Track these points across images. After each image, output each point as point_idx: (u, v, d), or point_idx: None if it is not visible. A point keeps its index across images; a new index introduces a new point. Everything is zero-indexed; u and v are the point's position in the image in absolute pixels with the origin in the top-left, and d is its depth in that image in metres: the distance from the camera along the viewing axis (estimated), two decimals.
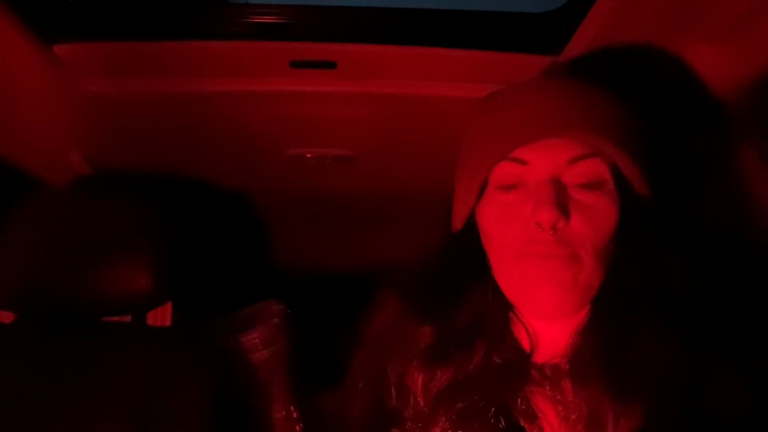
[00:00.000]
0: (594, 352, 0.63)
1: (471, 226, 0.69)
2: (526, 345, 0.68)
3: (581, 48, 0.86)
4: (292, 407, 1.25)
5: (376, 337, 0.74)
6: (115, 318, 1.05)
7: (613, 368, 0.61)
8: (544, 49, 0.90)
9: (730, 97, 0.87)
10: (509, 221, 0.64)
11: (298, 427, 1.25)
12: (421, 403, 0.67)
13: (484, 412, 0.63)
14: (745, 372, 0.58)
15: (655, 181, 0.64)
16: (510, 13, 0.91)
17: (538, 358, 0.67)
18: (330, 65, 0.94)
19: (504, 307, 0.68)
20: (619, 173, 0.62)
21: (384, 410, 0.69)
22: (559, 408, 0.63)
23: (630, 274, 0.63)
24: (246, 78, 0.98)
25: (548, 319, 0.67)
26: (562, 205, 0.60)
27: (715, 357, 0.59)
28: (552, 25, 0.88)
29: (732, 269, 0.71)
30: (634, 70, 0.87)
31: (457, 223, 0.69)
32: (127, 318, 1.06)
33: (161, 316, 1.28)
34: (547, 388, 0.64)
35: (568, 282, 0.61)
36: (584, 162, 0.61)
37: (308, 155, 1.20)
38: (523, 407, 0.64)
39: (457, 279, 0.70)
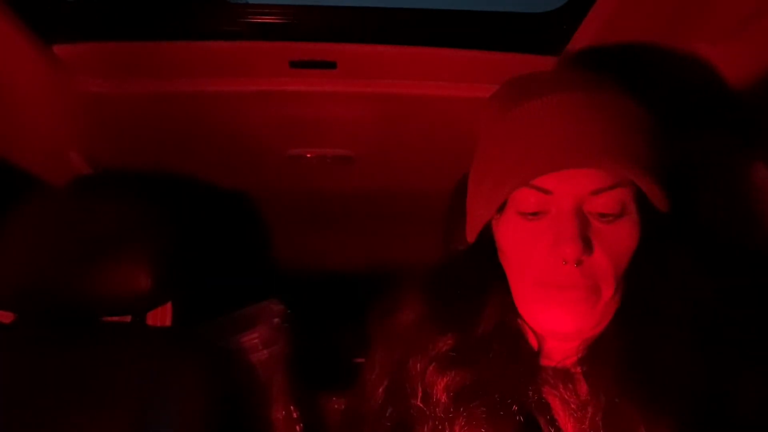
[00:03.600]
0: (612, 359, 0.63)
1: (488, 237, 0.68)
2: (534, 345, 0.68)
3: (581, 48, 0.85)
4: (292, 407, 1.25)
5: (398, 337, 0.74)
6: (115, 318, 1.05)
7: (635, 376, 0.61)
8: (544, 49, 0.90)
9: (730, 96, 0.87)
10: (530, 249, 0.62)
11: (298, 427, 1.25)
12: (443, 399, 0.67)
13: (504, 408, 0.64)
14: (765, 376, 0.59)
15: (671, 191, 0.63)
16: (510, 13, 0.92)
17: (550, 361, 0.68)
18: (330, 65, 0.94)
19: (518, 313, 0.68)
20: (641, 194, 0.61)
21: (408, 407, 0.69)
22: (572, 407, 0.64)
23: (648, 285, 0.64)
24: (246, 78, 0.98)
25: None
26: (586, 238, 0.59)
27: (735, 363, 0.60)
28: (552, 25, 0.88)
29: (744, 273, 0.71)
30: (634, 70, 0.87)
31: (471, 235, 0.67)
32: (127, 318, 1.06)
33: (161, 316, 1.28)
34: (560, 389, 0.65)
35: (585, 312, 0.61)
36: (609, 193, 0.60)
37: (308, 155, 1.20)
38: (536, 398, 0.65)
39: (477, 287, 0.70)
